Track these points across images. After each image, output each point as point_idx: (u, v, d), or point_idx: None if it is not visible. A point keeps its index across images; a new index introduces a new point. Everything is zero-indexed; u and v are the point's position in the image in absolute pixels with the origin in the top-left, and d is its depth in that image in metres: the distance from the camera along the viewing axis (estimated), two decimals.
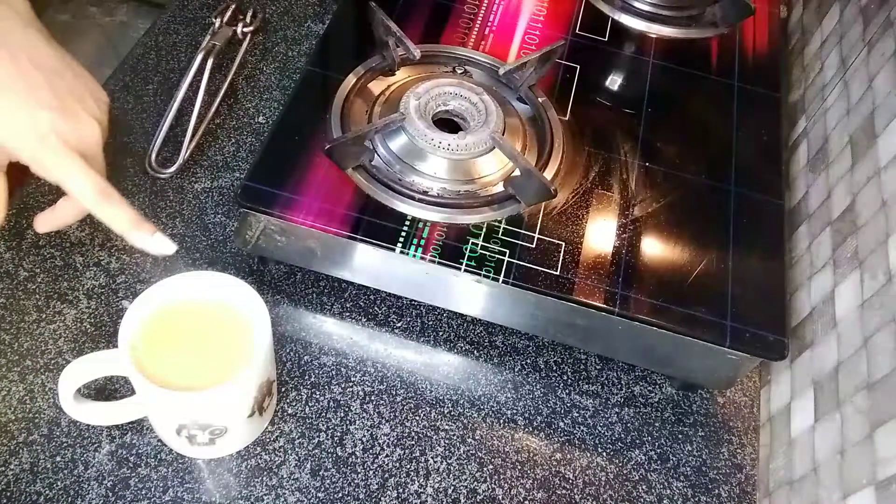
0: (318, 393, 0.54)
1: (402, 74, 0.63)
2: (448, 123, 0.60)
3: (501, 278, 0.52)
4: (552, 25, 0.70)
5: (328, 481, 0.50)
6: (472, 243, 0.53)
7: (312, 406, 0.53)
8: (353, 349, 0.56)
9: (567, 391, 0.57)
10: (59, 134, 0.46)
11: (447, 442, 0.53)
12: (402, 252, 0.52)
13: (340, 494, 0.50)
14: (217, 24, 0.71)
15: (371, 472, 0.51)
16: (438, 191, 0.56)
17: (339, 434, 0.52)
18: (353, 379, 0.55)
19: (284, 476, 0.50)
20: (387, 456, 0.52)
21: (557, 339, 0.59)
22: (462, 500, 0.51)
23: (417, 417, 0.54)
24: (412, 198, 0.55)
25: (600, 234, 0.56)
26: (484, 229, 0.54)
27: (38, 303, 0.55)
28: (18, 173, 0.49)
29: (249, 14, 0.72)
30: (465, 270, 0.52)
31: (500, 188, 0.57)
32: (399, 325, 0.58)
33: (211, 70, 0.66)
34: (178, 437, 0.47)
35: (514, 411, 0.55)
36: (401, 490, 0.51)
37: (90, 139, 0.48)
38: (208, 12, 0.73)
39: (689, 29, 0.73)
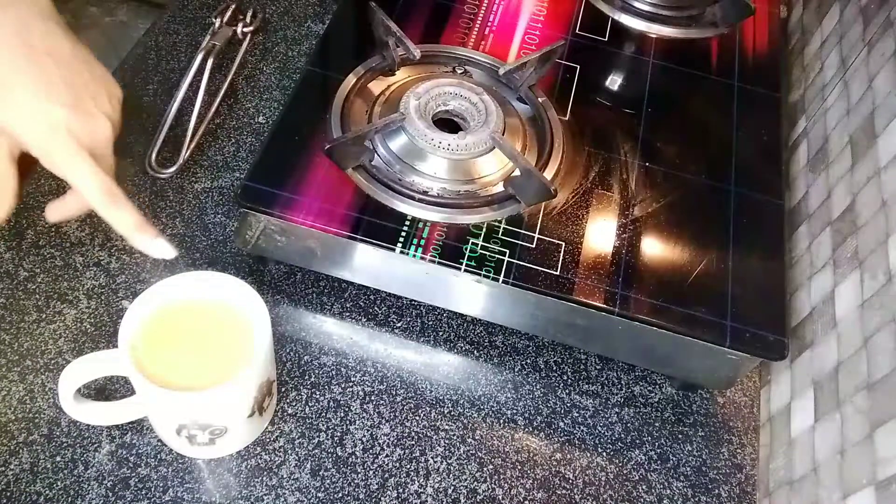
0: (318, 393, 0.54)
1: (402, 74, 0.63)
2: (448, 123, 0.60)
3: (501, 278, 0.52)
4: (552, 25, 0.70)
5: (328, 481, 0.50)
6: (472, 243, 0.53)
7: (312, 406, 0.53)
8: (353, 349, 0.56)
9: (567, 391, 0.57)
10: (71, 130, 0.46)
11: (447, 442, 0.53)
12: (402, 252, 0.52)
13: (340, 494, 0.50)
14: (217, 24, 0.71)
15: (371, 472, 0.51)
16: (438, 191, 0.56)
17: (339, 434, 0.52)
18: (353, 379, 0.55)
19: (284, 476, 0.50)
20: (387, 456, 0.52)
21: (557, 339, 0.59)
22: (462, 500, 0.51)
23: (417, 417, 0.54)
24: (412, 198, 0.55)
25: (600, 234, 0.56)
26: (484, 229, 0.54)
27: (38, 303, 0.55)
28: (29, 164, 0.49)
29: (249, 14, 0.72)
30: (465, 270, 0.52)
31: (500, 188, 0.57)
32: (399, 325, 0.58)
33: (211, 70, 0.66)
34: (178, 437, 0.47)
35: (514, 411, 0.55)
36: (401, 490, 0.51)
37: (101, 137, 0.48)
38: (208, 12, 0.73)
39: (689, 29, 0.73)
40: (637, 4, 0.73)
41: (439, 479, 0.52)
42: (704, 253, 0.56)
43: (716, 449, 0.56)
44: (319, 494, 0.50)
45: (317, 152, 0.56)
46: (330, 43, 0.65)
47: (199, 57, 0.66)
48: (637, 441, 0.55)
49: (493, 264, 0.52)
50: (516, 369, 0.58)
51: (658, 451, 0.55)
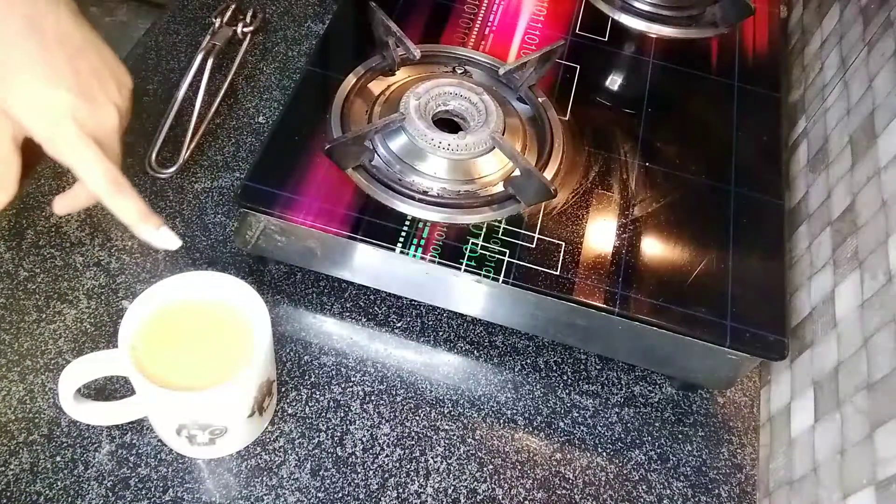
0: (318, 393, 0.54)
1: (402, 74, 0.63)
2: (448, 123, 0.60)
3: (501, 278, 0.52)
4: (552, 25, 0.70)
5: (328, 481, 0.50)
6: (472, 243, 0.53)
7: (312, 406, 0.53)
8: (353, 349, 0.56)
9: (567, 391, 0.57)
10: (77, 117, 0.45)
11: (447, 442, 0.53)
12: (402, 252, 0.52)
13: (340, 494, 0.50)
14: (217, 24, 0.71)
15: (371, 472, 0.51)
16: (438, 191, 0.56)
17: (339, 434, 0.52)
18: (353, 379, 0.55)
19: (284, 476, 0.50)
20: (387, 456, 0.52)
21: (557, 339, 0.59)
22: (462, 500, 0.51)
23: (417, 417, 0.54)
24: (412, 198, 0.55)
25: (600, 234, 0.56)
26: (484, 229, 0.54)
27: (38, 303, 0.55)
28: (34, 154, 0.48)
29: (249, 14, 0.72)
30: (465, 270, 0.52)
31: (500, 188, 0.57)
32: (399, 325, 0.58)
33: (211, 70, 0.66)
34: (178, 437, 0.47)
35: (514, 411, 0.55)
36: (401, 490, 0.51)
37: (108, 125, 0.47)
38: (208, 12, 0.73)
39: (689, 29, 0.73)
40: (637, 4, 0.73)
41: (439, 479, 0.52)
42: (704, 253, 0.56)
43: (716, 449, 0.56)
44: (319, 494, 0.50)
45: (317, 152, 0.56)
46: (330, 43, 0.65)
47: (199, 57, 0.66)
48: (637, 441, 0.55)
49: (493, 264, 0.52)
50: (516, 369, 0.58)
51: (658, 451, 0.55)
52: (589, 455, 0.54)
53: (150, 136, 0.64)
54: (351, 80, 0.61)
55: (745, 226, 0.58)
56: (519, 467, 0.53)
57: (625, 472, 0.54)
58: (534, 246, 0.54)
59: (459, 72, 0.64)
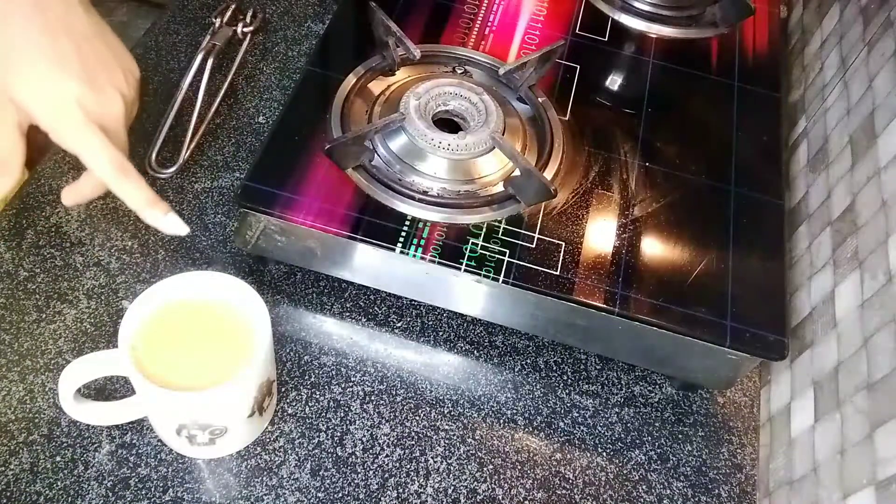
0: (318, 393, 0.54)
1: (402, 74, 0.63)
2: (448, 123, 0.60)
3: (501, 278, 0.52)
4: (552, 25, 0.70)
5: (328, 481, 0.50)
6: (472, 243, 0.53)
7: (312, 406, 0.53)
8: (353, 349, 0.56)
9: (567, 391, 0.57)
10: (82, 105, 0.45)
11: (447, 442, 0.53)
12: (402, 252, 0.52)
13: (340, 494, 0.50)
14: (217, 24, 0.71)
15: (371, 472, 0.51)
16: (438, 191, 0.56)
17: (339, 434, 0.52)
18: (353, 379, 0.55)
19: (284, 476, 0.50)
20: (387, 456, 0.52)
21: (557, 339, 0.59)
22: (462, 500, 0.51)
23: (417, 417, 0.54)
24: (412, 198, 0.55)
25: (600, 234, 0.56)
26: (484, 229, 0.54)
27: (38, 303, 0.55)
28: (38, 147, 0.49)
29: (249, 14, 0.72)
30: (465, 270, 0.52)
31: (500, 188, 0.57)
32: (399, 325, 0.58)
33: (211, 70, 0.66)
34: (178, 437, 0.47)
35: (514, 411, 0.55)
36: (401, 490, 0.51)
37: (113, 113, 0.47)
38: (208, 12, 0.73)
39: (689, 29, 0.73)
40: (637, 4, 0.73)
41: (439, 479, 0.52)
42: (704, 253, 0.56)
43: (716, 449, 0.56)
44: (319, 494, 0.50)
45: (317, 152, 0.56)
46: (330, 43, 0.65)
47: (199, 57, 0.66)
48: (637, 441, 0.55)
49: (493, 264, 0.52)
50: (516, 369, 0.58)
51: (658, 451, 0.55)
52: (589, 455, 0.54)
53: (150, 136, 0.64)
54: (351, 80, 0.61)
55: (745, 226, 0.58)
56: (519, 467, 0.53)
57: (625, 472, 0.54)
58: (534, 246, 0.54)
59: (459, 72, 0.64)
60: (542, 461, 0.53)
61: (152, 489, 0.49)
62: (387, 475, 0.51)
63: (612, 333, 0.55)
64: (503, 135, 0.58)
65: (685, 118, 0.66)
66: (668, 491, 0.53)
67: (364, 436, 0.53)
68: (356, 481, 0.51)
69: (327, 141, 0.55)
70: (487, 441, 0.54)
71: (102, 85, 0.47)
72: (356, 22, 0.67)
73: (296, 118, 0.58)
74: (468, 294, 0.56)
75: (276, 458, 0.51)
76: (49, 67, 0.45)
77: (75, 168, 0.61)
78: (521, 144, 0.59)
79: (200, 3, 0.75)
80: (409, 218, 0.54)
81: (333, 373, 0.55)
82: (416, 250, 0.52)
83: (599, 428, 0.56)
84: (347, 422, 0.53)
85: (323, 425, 0.53)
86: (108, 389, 0.52)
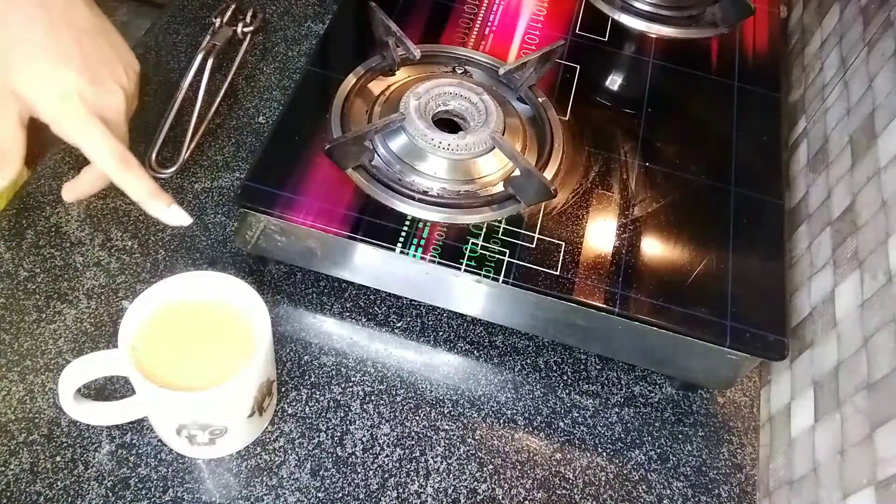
0: (318, 393, 0.54)
1: (402, 74, 0.63)
2: (448, 123, 0.60)
3: (501, 278, 0.52)
4: (552, 25, 0.70)
5: (328, 481, 0.50)
6: (472, 243, 0.53)
7: (312, 406, 0.53)
8: (353, 349, 0.56)
9: (567, 391, 0.57)
10: (83, 97, 0.46)
11: (447, 442, 0.53)
12: (402, 252, 0.52)
13: (340, 494, 0.50)
14: (217, 24, 0.71)
15: (371, 472, 0.51)
16: (438, 191, 0.56)
17: (339, 434, 0.52)
18: (353, 379, 0.55)
19: (284, 476, 0.50)
20: (387, 456, 0.52)
21: (557, 339, 0.59)
22: (462, 500, 0.51)
23: (417, 417, 0.54)
24: (412, 198, 0.55)
25: (600, 234, 0.56)
26: (484, 229, 0.54)
27: (38, 303, 0.55)
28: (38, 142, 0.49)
29: (249, 14, 0.72)
30: (465, 270, 0.52)
31: (500, 188, 0.57)
32: (399, 325, 0.58)
33: (211, 70, 0.66)
34: (178, 437, 0.47)
35: (514, 411, 0.55)
36: (401, 490, 0.51)
37: (114, 106, 0.48)
38: (208, 12, 0.73)
39: (689, 29, 0.73)
40: (637, 4, 0.73)
41: (439, 479, 0.52)
42: (704, 253, 0.56)
43: (716, 449, 0.56)
44: (319, 494, 0.50)
45: (317, 152, 0.56)
46: (330, 43, 0.65)
47: (199, 57, 0.66)
48: (637, 441, 0.55)
49: (493, 264, 0.52)
50: (516, 369, 0.58)
51: (658, 451, 0.55)
52: (589, 455, 0.54)
53: (150, 136, 0.64)
54: (351, 80, 0.61)
55: (745, 226, 0.58)
56: (519, 467, 0.53)
57: (625, 472, 0.54)
58: (534, 246, 0.54)
59: (459, 72, 0.64)
60: (542, 461, 0.53)
61: (152, 489, 0.49)
62: (387, 475, 0.51)
63: (612, 333, 0.55)
64: (503, 135, 0.58)
65: (685, 118, 0.66)
66: (668, 491, 0.53)
67: (364, 436, 0.53)
68: (356, 481, 0.51)
69: (327, 141, 0.55)
70: (487, 441, 0.54)
71: (103, 78, 0.47)
72: (356, 22, 0.67)
73: (296, 118, 0.58)
74: (468, 294, 0.56)
75: (276, 458, 0.51)
76: (51, 60, 0.45)
77: (75, 168, 0.61)
78: (521, 144, 0.59)
79: (200, 3, 0.75)
80: (409, 218, 0.54)
81: (333, 373, 0.55)
82: (416, 250, 0.52)
83: (599, 428, 0.56)
84: (347, 422, 0.53)
85: (323, 425, 0.53)
86: (108, 389, 0.52)
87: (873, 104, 0.58)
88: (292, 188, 0.54)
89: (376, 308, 0.59)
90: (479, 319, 0.59)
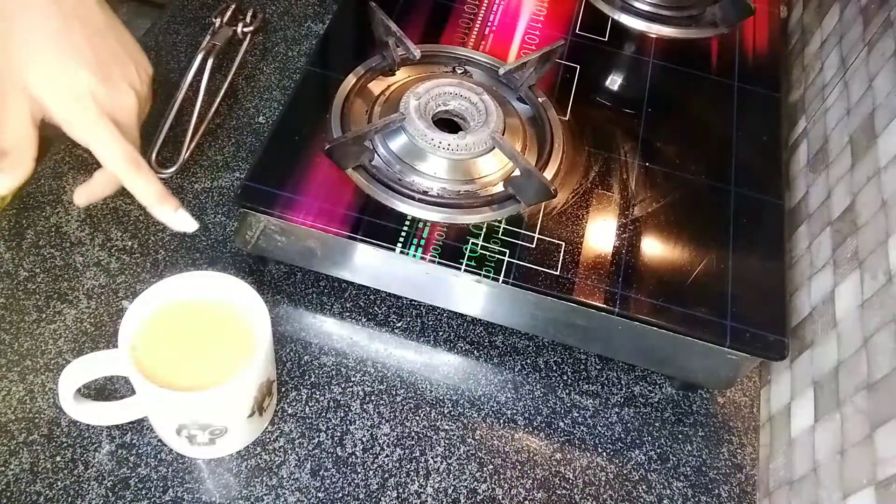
0: (318, 393, 0.54)
1: (402, 74, 0.63)
2: (448, 123, 0.60)
3: (501, 278, 0.52)
4: (552, 25, 0.70)
5: (328, 481, 0.50)
6: (472, 243, 0.53)
7: (312, 406, 0.53)
8: (353, 349, 0.56)
9: (567, 391, 0.57)
10: (95, 98, 0.46)
11: (447, 442, 0.53)
12: (402, 252, 0.52)
13: (340, 494, 0.50)
14: (217, 24, 0.71)
15: (371, 472, 0.51)
16: (438, 191, 0.56)
17: (339, 434, 0.52)
18: (353, 379, 0.55)
19: (284, 476, 0.50)
20: (387, 456, 0.52)
21: (557, 339, 0.59)
22: (462, 500, 0.51)
23: (417, 417, 0.54)
24: (412, 198, 0.55)
25: (600, 234, 0.56)
26: (484, 229, 0.54)
27: (38, 303, 0.55)
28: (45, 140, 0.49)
29: (249, 14, 0.72)
30: (465, 270, 0.52)
31: (500, 188, 0.57)
32: (399, 325, 0.58)
33: (211, 70, 0.66)
34: (178, 437, 0.47)
35: (514, 411, 0.55)
36: (401, 490, 0.51)
37: (126, 108, 0.48)
38: (208, 12, 0.73)
39: (689, 29, 0.73)
40: (637, 4, 0.73)
41: (439, 479, 0.52)
42: (704, 253, 0.56)
43: (716, 449, 0.56)
44: (319, 494, 0.50)
45: (317, 152, 0.56)
46: (330, 43, 0.65)
47: (199, 57, 0.66)
48: (637, 441, 0.55)
49: (493, 264, 0.52)
50: (516, 369, 0.58)
51: (658, 451, 0.55)
52: (589, 455, 0.54)
53: (150, 136, 0.64)
54: (351, 80, 0.61)
55: (745, 226, 0.58)
56: (519, 467, 0.53)
57: (625, 472, 0.54)
58: (534, 246, 0.54)
59: (459, 72, 0.64)
60: (542, 461, 0.53)
61: (152, 489, 0.49)
62: (387, 475, 0.51)
63: (612, 333, 0.55)
64: (503, 135, 0.58)
65: (685, 118, 0.66)
66: (668, 491, 0.53)
67: (364, 436, 0.53)
68: (356, 481, 0.51)
69: (327, 141, 0.55)
70: (487, 441, 0.54)
71: (116, 79, 0.47)
72: (356, 22, 0.67)
73: (296, 118, 0.58)
74: (468, 294, 0.56)
75: (276, 458, 0.51)
76: (63, 60, 0.45)
77: (75, 168, 0.61)
78: (521, 144, 0.59)
79: (200, 3, 0.75)
80: (409, 218, 0.54)
81: (333, 373, 0.55)
82: (416, 250, 0.52)
83: (599, 428, 0.56)
84: (347, 422, 0.53)
85: (323, 425, 0.53)
86: (108, 389, 0.52)
87: (873, 104, 0.58)
88: (292, 188, 0.54)
89: (376, 308, 0.59)
90: (479, 319, 0.59)
